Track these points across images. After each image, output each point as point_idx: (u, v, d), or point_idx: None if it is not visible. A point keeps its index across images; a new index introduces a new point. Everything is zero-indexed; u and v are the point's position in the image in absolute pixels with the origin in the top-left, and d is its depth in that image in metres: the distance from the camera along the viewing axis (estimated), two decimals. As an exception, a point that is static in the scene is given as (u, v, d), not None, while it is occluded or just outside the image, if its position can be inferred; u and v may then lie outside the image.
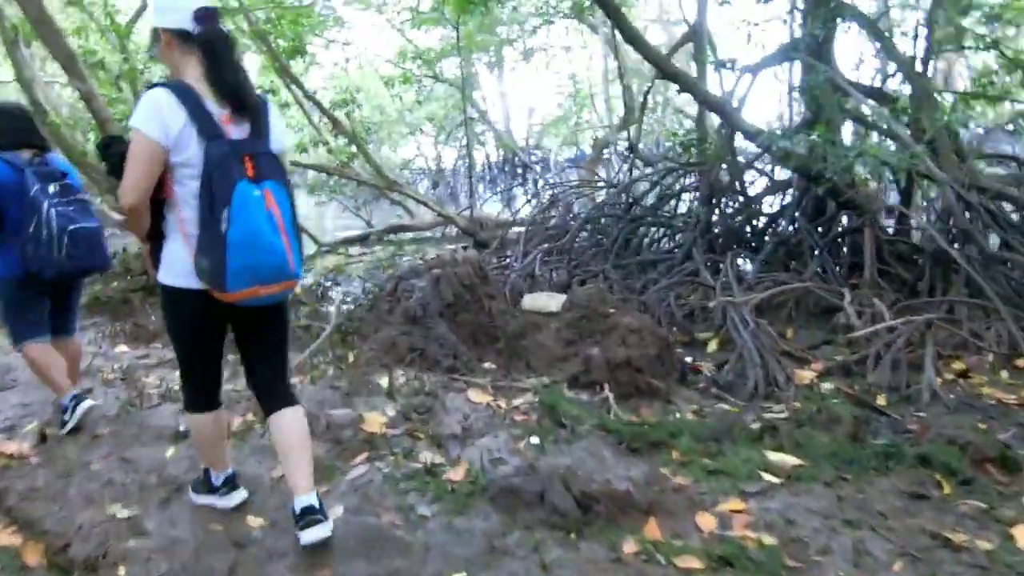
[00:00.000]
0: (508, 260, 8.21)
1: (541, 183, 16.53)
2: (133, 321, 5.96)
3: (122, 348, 5.38)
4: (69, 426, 3.22)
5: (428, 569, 2.07)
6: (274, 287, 1.98)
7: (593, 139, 16.89)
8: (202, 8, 1.98)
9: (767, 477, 2.51)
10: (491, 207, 15.70)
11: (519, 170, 19.00)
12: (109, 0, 7.31)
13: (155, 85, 2.00)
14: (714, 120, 7.45)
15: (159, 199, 2.02)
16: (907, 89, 5.55)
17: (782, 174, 7.05)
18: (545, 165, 20.18)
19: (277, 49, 9.54)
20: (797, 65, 5.92)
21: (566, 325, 3.98)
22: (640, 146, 9.66)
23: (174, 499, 2.59)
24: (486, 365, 4.18)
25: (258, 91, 2.17)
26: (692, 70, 7.13)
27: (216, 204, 1.88)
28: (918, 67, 5.35)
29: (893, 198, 6.28)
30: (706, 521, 2.27)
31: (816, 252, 5.36)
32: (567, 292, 6.25)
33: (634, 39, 4.94)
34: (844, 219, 5.83)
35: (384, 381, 3.63)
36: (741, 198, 6.96)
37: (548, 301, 4.28)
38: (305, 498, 2.11)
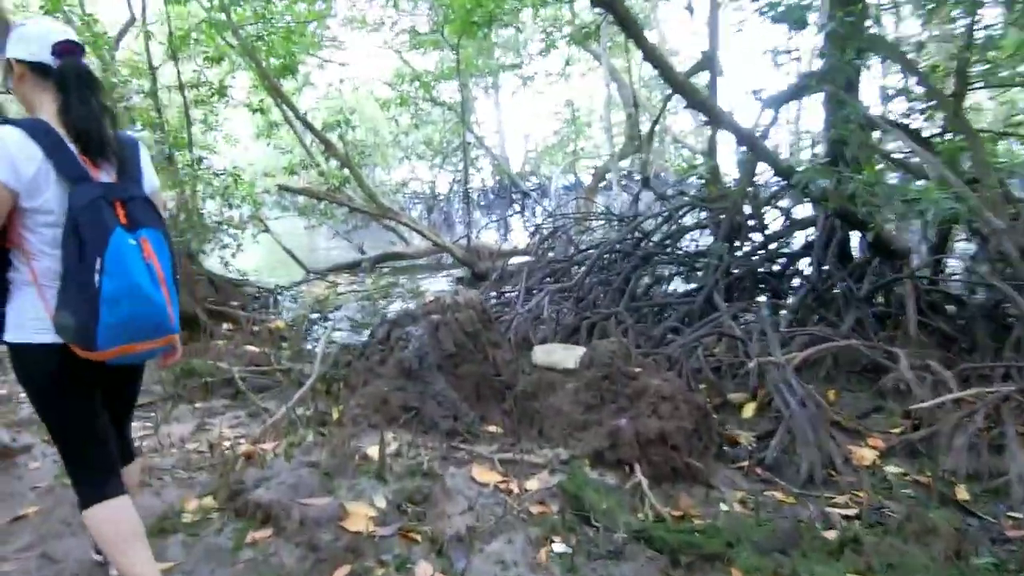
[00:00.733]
0: (509, 296, 7.70)
1: (540, 211, 16.09)
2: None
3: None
4: None
5: None
6: (152, 343, 1.79)
7: (594, 168, 16.49)
8: (62, 41, 1.80)
9: (856, 610, 1.98)
10: (487, 235, 15.23)
11: (516, 197, 18.55)
12: (87, 9, 6.81)
13: (5, 121, 1.74)
14: (725, 152, 7.06)
15: (3, 248, 1.77)
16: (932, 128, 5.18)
17: (798, 210, 6.63)
18: (542, 193, 19.77)
19: (268, 67, 9.07)
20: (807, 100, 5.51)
21: (585, 386, 3.45)
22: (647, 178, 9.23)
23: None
24: (491, 428, 3.63)
25: (125, 132, 2.00)
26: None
27: (87, 253, 1.66)
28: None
29: (913, 241, 5.86)
30: None
31: (850, 302, 4.87)
32: (575, 336, 5.79)
33: (657, 62, 4.50)
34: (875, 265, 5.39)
35: (373, 450, 3.08)
36: (759, 237, 6.52)
37: (564, 356, 3.76)
38: None
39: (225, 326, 6.64)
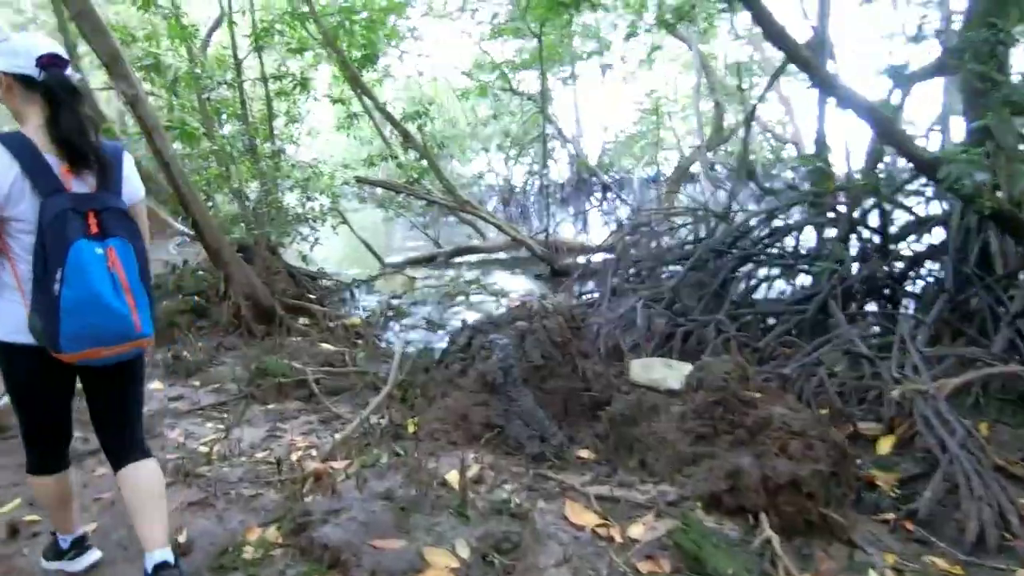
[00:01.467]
0: (591, 296, 7.25)
1: (620, 206, 15.51)
2: (174, 352, 5.29)
3: (156, 385, 4.70)
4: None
5: None
6: (117, 348, 1.87)
7: (679, 159, 15.74)
8: (46, 54, 1.89)
9: None
10: (565, 229, 14.79)
11: (595, 190, 17.96)
12: (177, 3, 6.77)
13: None
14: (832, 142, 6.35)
15: None
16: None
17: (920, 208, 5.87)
18: (621, 185, 19.10)
19: (349, 57, 8.92)
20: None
21: (694, 412, 2.99)
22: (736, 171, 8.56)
23: None
24: (583, 453, 3.23)
25: (111, 141, 2.08)
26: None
27: (50, 263, 1.77)
28: None
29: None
30: None
31: (1000, 319, 4.17)
32: (668, 344, 5.29)
33: (778, 35, 3.94)
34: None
35: (452, 476, 2.74)
36: (878, 237, 5.81)
37: (666, 374, 3.31)
38: (159, 553, 1.97)
39: (302, 320, 6.51)
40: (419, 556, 2.12)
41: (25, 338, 1.85)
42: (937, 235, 5.51)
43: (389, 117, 9.29)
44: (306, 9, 8.13)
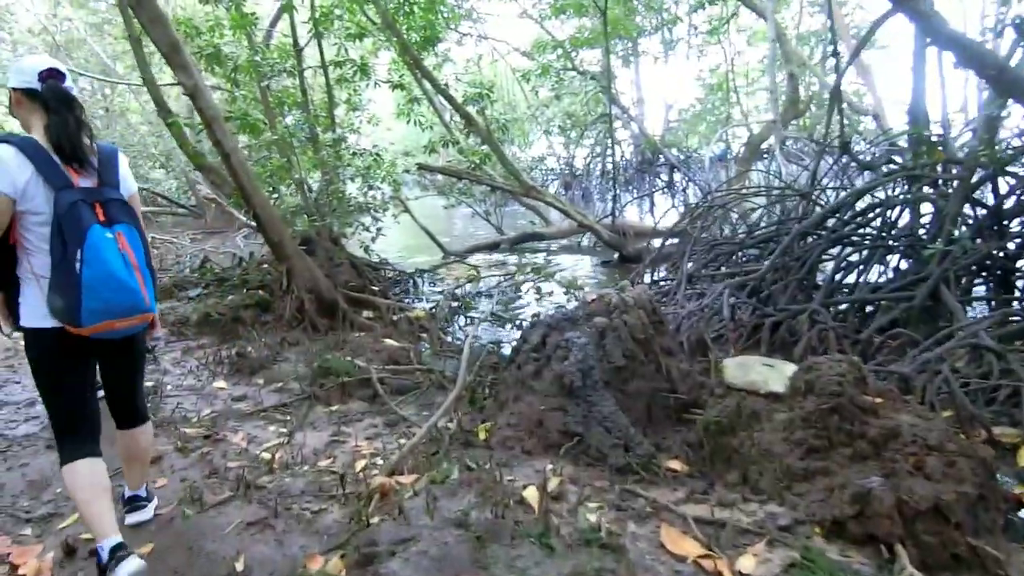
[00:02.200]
0: (665, 284, 6.85)
1: (690, 186, 14.88)
2: (238, 349, 5.21)
3: (220, 384, 4.62)
4: None
5: None
6: (129, 320, 2.12)
7: (747, 136, 14.94)
8: (46, 68, 2.17)
9: None
10: (630, 212, 14.30)
11: (661, 171, 17.31)
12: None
13: (1, 141, 2.07)
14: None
15: (9, 245, 2.11)
16: None
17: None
18: (687, 165, 18.36)
19: (408, 41, 8.69)
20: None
21: (803, 420, 2.62)
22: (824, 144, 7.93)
23: None
24: (673, 464, 2.90)
25: (104, 142, 2.34)
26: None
27: (69, 247, 2.00)
28: None
29: None
30: None
31: None
32: (756, 336, 4.87)
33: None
34: None
35: (531, 493, 2.47)
36: (987, 214, 5.19)
37: (767, 375, 2.93)
38: (133, 492, 2.60)
39: (365, 314, 6.36)
40: (501, 598, 1.85)
41: (49, 323, 2.08)
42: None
43: (451, 100, 9.03)
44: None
